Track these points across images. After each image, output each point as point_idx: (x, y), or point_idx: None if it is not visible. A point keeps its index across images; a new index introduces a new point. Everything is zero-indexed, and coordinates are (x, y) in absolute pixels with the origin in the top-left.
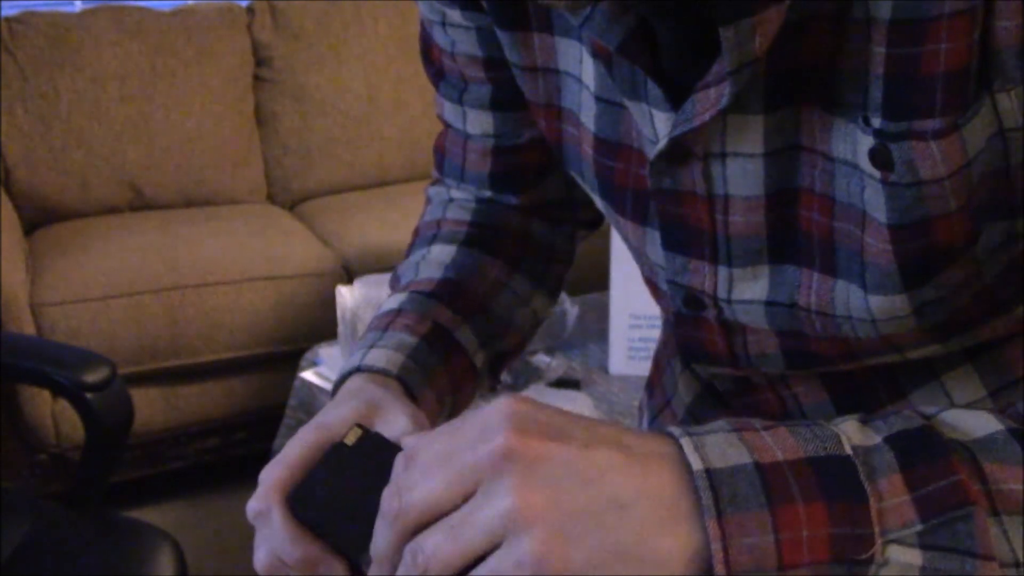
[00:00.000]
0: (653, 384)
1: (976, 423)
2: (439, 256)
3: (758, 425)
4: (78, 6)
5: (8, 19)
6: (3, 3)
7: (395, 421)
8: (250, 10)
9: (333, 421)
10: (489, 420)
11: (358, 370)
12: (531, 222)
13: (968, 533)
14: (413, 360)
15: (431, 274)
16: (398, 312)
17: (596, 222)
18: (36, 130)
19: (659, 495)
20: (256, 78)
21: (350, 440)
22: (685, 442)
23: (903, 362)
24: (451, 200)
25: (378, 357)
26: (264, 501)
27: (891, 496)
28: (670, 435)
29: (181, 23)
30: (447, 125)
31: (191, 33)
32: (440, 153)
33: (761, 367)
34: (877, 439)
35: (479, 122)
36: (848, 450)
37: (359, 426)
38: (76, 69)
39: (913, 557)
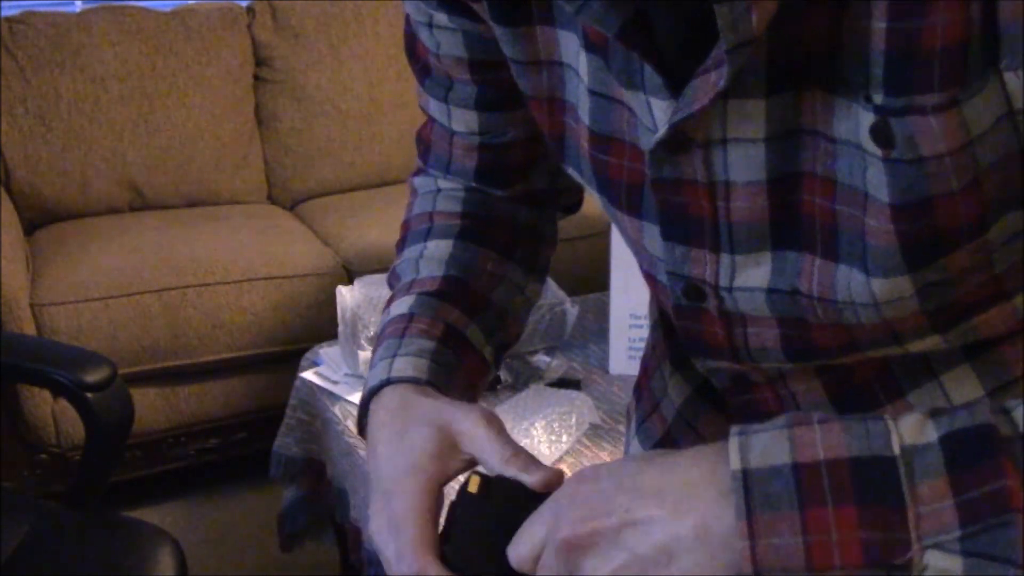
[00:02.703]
0: (641, 388)
1: None
2: (437, 252)
3: (815, 417)
4: (78, 6)
5: (8, 19)
6: (3, 3)
7: (481, 443)
8: (250, 10)
9: (423, 460)
10: (549, 517)
11: (388, 382)
12: (518, 209)
13: (1009, 542)
14: (437, 363)
15: (433, 272)
16: (411, 317)
17: (576, 205)
18: (36, 130)
19: (699, 526)
20: (256, 78)
21: (474, 489)
22: (732, 443)
23: (902, 360)
24: (439, 190)
25: (405, 366)
26: (418, 563)
27: (932, 501)
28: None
29: (181, 23)
30: (432, 119)
31: (191, 33)
32: (425, 144)
33: (761, 360)
34: (933, 437)
35: (464, 120)
36: (896, 450)
37: (477, 473)
38: (76, 69)
39: (953, 563)
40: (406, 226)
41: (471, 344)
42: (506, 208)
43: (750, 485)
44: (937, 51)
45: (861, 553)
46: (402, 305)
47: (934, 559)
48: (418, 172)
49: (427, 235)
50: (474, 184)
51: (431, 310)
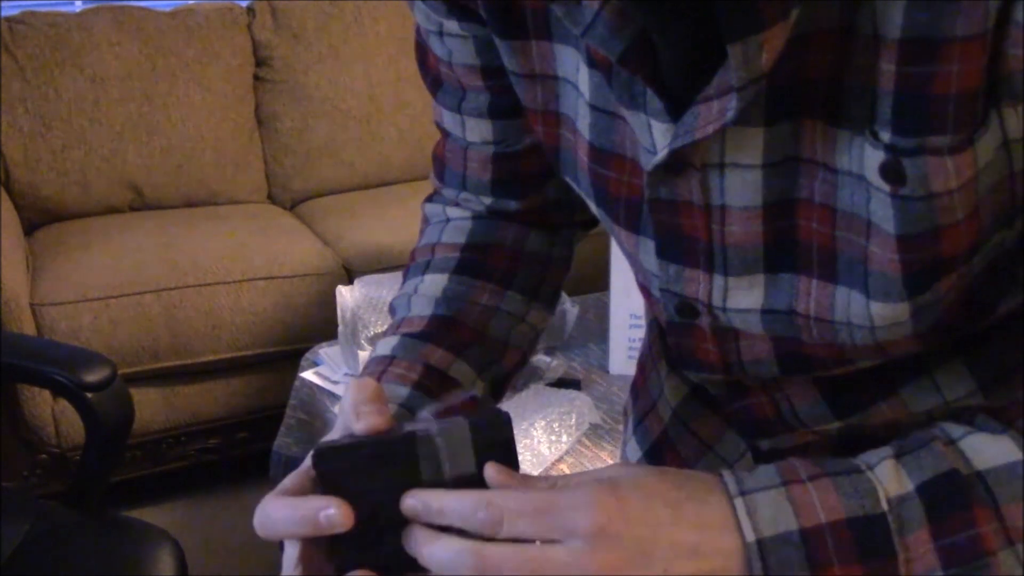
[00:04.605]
0: (638, 387)
1: (998, 451)
2: (430, 288)
3: (803, 474)
4: (78, 6)
5: (8, 19)
6: (3, 3)
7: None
8: (250, 10)
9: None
10: (578, 547)
11: None
12: (528, 233)
13: None
14: (406, 409)
15: (421, 311)
16: (391, 360)
17: (593, 222)
18: (36, 130)
19: None
20: (256, 78)
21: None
22: (739, 508)
23: (895, 360)
24: (448, 220)
25: None
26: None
27: (917, 547)
28: (727, 492)
29: (181, 23)
30: (446, 133)
31: (191, 33)
32: (440, 162)
33: (754, 372)
34: (910, 486)
35: (478, 130)
36: (884, 506)
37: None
38: (76, 69)
39: None
40: (412, 256)
41: (456, 382)
42: (515, 234)
43: (765, 553)
44: (951, 97)
45: None
46: (386, 346)
47: None
48: (431, 197)
49: (426, 268)
50: (489, 199)
51: (412, 352)
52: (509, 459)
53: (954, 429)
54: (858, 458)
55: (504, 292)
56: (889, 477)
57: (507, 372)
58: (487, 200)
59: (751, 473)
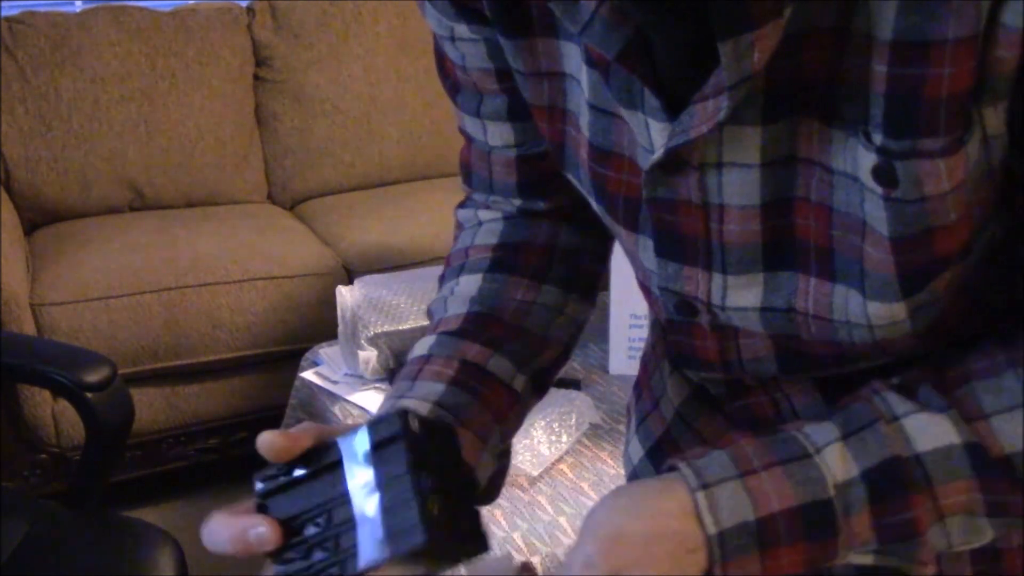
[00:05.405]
0: (641, 386)
1: (937, 433)
2: (465, 289)
3: (756, 463)
4: (78, 6)
5: (8, 19)
6: (3, 3)
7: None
8: (250, 10)
9: None
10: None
11: None
12: (559, 229)
13: (912, 551)
14: (441, 407)
15: (458, 310)
16: (427, 359)
17: None
18: (36, 130)
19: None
20: (256, 78)
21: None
22: (700, 499)
23: (894, 361)
24: (480, 224)
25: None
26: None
27: (858, 527)
28: (686, 485)
29: (181, 23)
30: (470, 138)
31: (191, 33)
32: (466, 167)
33: (754, 371)
34: (855, 472)
35: (499, 134)
36: (831, 491)
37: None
38: (76, 69)
39: (865, 559)
40: (447, 261)
41: (494, 376)
42: (547, 229)
43: (724, 541)
44: (942, 99)
45: (802, 567)
46: (423, 346)
47: (852, 557)
48: (464, 202)
49: (460, 271)
50: (518, 200)
51: (448, 349)
52: (400, 455)
53: (898, 405)
54: (805, 434)
55: (540, 286)
56: (836, 462)
57: (548, 366)
58: (516, 201)
59: (705, 461)
